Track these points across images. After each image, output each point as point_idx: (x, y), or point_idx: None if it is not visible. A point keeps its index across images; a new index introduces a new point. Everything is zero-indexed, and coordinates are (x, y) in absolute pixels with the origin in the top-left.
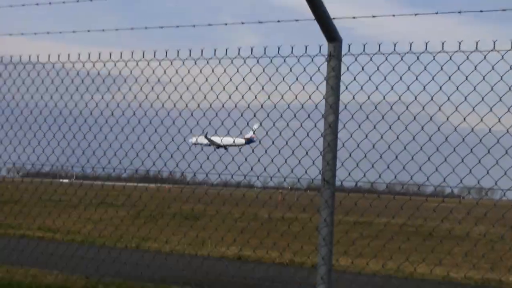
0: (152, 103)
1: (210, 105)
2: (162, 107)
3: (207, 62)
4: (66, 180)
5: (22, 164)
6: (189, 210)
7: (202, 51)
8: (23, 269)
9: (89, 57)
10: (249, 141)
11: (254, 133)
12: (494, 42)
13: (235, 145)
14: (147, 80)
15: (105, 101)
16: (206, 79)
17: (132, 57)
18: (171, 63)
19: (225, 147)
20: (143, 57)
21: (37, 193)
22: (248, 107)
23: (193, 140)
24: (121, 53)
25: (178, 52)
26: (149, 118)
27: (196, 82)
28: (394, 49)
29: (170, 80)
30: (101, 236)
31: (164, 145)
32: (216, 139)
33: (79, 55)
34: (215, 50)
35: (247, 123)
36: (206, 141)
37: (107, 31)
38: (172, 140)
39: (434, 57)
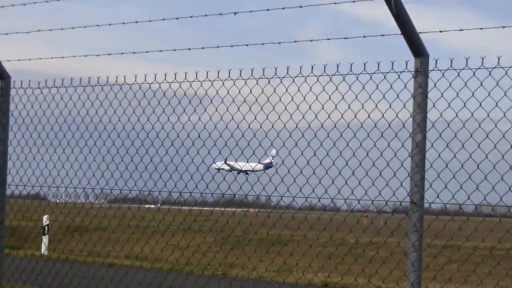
0: (239, 124)
1: (296, 125)
2: (248, 129)
3: (293, 80)
4: (152, 206)
5: (110, 190)
6: (276, 236)
7: (288, 68)
8: None
9: (175, 77)
10: (267, 166)
11: (272, 158)
12: None
13: (253, 170)
14: (233, 100)
15: (192, 123)
16: (292, 99)
17: (218, 76)
18: (257, 82)
19: (246, 172)
20: (229, 76)
21: (125, 220)
22: (335, 126)
23: (216, 165)
24: (207, 73)
25: (263, 70)
26: (235, 139)
27: (282, 101)
28: (482, 63)
29: (256, 100)
30: (189, 264)
31: (251, 168)
32: (236, 164)
33: (165, 75)
34: (300, 68)
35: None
36: (227, 167)
37: (192, 50)
38: (259, 162)
39: None
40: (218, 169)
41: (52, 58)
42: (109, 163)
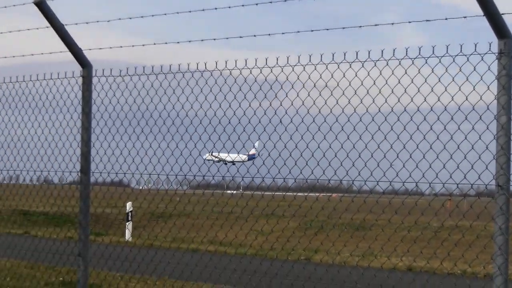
0: (320, 109)
1: (379, 109)
2: (330, 113)
3: (375, 64)
4: (234, 191)
5: (193, 176)
6: (359, 220)
7: (369, 52)
8: (196, 285)
9: (256, 63)
10: (250, 157)
11: (255, 149)
12: None
13: (239, 162)
14: (314, 85)
15: (273, 108)
16: (374, 82)
17: (299, 61)
18: (338, 66)
19: (233, 162)
20: (309, 61)
21: (208, 206)
22: (418, 110)
23: (206, 156)
24: (287, 58)
25: (344, 54)
26: (317, 124)
27: (364, 85)
28: None
29: (338, 84)
30: (273, 249)
31: (334, 153)
32: (221, 156)
33: (246, 61)
34: (382, 51)
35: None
36: (214, 158)
37: (272, 35)
38: (341, 147)
39: None
40: (211, 160)
41: (133, 46)
42: (191, 149)
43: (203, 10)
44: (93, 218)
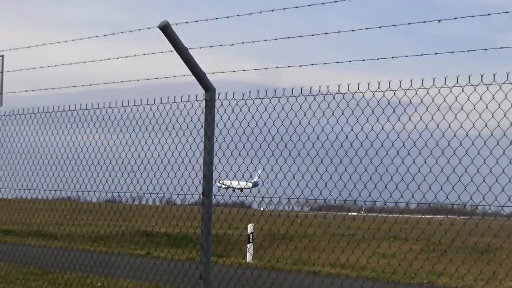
0: (444, 132)
1: (504, 133)
2: (454, 137)
3: (500, 87)
4: (356, 214)
5: (314, 199)
6: (483, 244)
7: (494, 75)
8: None
9: (378, 86)
10: (254, 184)
11: (259, 177)
12: None
13: (245, 188)
14: (438, 108)
15: (396, 132)
16: (499, 106)
17: (422, 84)
18: (462, 90)
19: (241, 189)
20: (433, 84)
21: (330, 228)
22: None
23: (218, 184)
24: (411, 81)
25: (469, 77)
26: (440, 148)
27: (488, 109)
28: None
29: (462, 107)
30: (395, 273)
31: (457, 177)
32: (230, 183)
33: (368, 84)
34: (507, 74)
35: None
36: (223, 185)
37: (395, 58)
38: (465, 171)
39: None
40: (221, 187)
41: (255, 69)
42: (313, 172)
43: (326, 33)
44: (215, 240)
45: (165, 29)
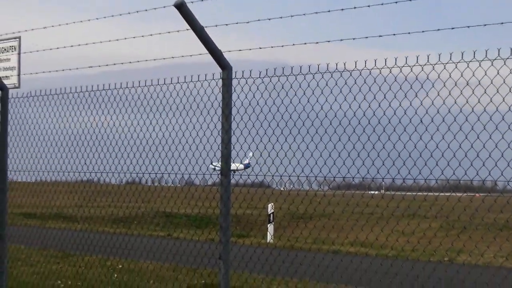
0: (462, 108)
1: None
2: (471, 112)
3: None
4: (375, 192)
5: (333, 177)
6: (503, 221)
7: (498, 50)
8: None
9: (395, 62)
10: (246, 166)
11: (250, 159)
12: None
13: (237, 170)
14: (456, 84)
15: (414, 108)
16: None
17: (439, 60)
18: (479, 64)
19: (234, 171)
20: (450, 59)
21: (349, 207)
22: None
23: (212, 166)
24: (428, 56)
25: (486, 52)
26: (458, 124)
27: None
28: None
29: (479, 82)
30: (414, 250)
31: (476, 153)
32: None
33: (385, 60)
34: (511, 49)
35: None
36: (216, 167)
37: (412, 34)
38: (484, 147)
39: None
40: (214, 168)
41: (272, 47)
42: (331, 150)
43: (342, 9)
44: (235, 220)
45: (181, 7)
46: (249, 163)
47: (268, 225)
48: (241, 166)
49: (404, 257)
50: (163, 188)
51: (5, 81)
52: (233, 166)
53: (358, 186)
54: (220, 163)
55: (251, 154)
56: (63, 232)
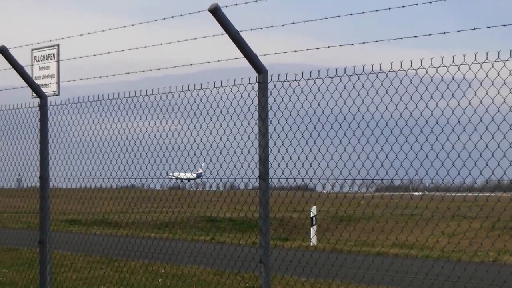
0: (499, 106)
1: None
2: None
3: None
4: (416, 193)
5: (371, 180)
6: None
7: None
8: None
9: (431, 63)
10: (198, 175)
11: (202, 169)
12: None
13: (190, 179)
14: (492, 83)
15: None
16: None
17: (475, 59)
18: None
19: (189, 179)
20: (486, 58)
21: (389, 208)
22: None
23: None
24: (464, 56)
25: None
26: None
27: None
28: None
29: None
30: (456, 251)
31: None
32: (178, 174)
33: (421, 60)
34: None
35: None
36: (172, 177)
37: (447, 33)
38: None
39: None
40: (170, 179)
41: (307, 50)
42: (368, 152)
43: (377, 10)
44: (276, 223)
45: (216, 11)
46: (201, 173)
47: (311, 227)
48: (193, 176)
49: (445, 258)
50: (208, 193)
51: (45, 89)
52: (186, 176)
53: (404, 188)
54: (174, 173)
55: (203, 164)
56: (108, 238)
